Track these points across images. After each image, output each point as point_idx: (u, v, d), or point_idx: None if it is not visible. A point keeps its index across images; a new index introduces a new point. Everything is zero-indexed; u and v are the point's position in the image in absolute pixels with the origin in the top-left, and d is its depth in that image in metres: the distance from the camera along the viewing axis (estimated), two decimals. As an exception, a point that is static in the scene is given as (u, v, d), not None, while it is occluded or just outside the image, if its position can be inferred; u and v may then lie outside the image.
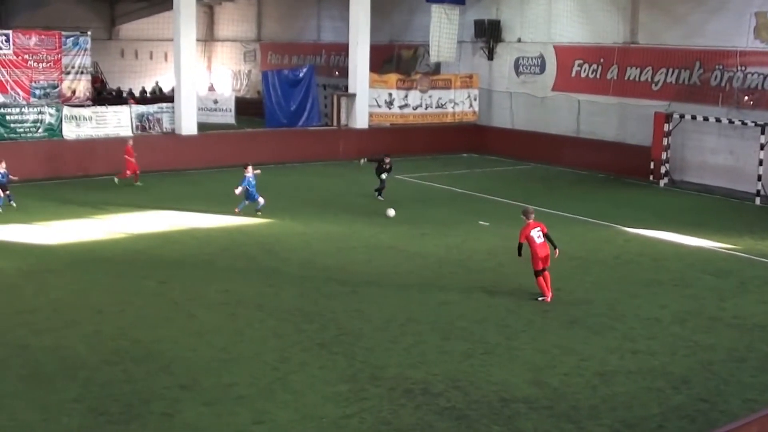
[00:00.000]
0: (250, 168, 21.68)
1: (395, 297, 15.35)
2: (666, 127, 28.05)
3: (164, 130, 29.73)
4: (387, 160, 24.32)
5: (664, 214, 23.56)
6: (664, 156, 28.29)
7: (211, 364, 12.04)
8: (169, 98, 34.44)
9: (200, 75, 44.87)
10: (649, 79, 29.80)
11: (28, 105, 29.22)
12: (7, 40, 31.66)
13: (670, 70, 29.04)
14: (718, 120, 26.74)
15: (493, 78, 35.44)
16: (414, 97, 34.30)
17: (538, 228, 15.21)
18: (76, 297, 14.99)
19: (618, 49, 30.70)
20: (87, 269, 16.76)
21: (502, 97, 35.19)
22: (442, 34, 34.59)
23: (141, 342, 12.83)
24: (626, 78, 30.53)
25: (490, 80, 35.52)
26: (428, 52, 35.77)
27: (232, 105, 39.24)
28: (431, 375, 11.73)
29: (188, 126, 29.89)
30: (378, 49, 35.77)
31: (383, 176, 24.31)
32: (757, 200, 25.60)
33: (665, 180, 28.31)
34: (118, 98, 41.12)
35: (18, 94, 31.54)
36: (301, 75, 34.12)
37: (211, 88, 48.34)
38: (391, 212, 21.92)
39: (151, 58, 50.00)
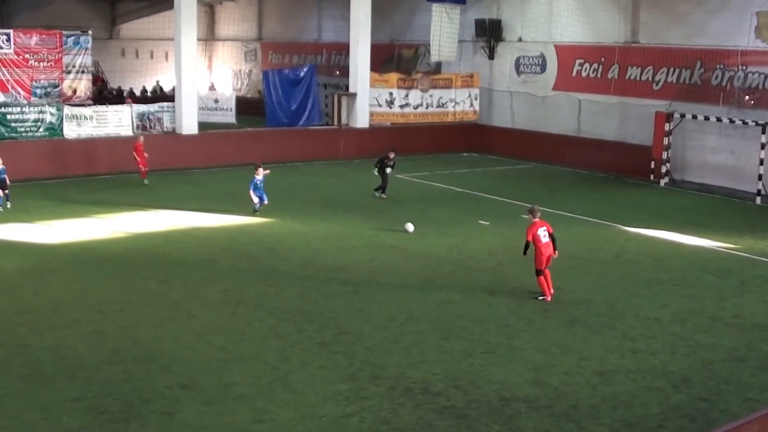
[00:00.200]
0: (260, 170, 21.67)
1: (395, 296, 15.35)
2: (667, 127, 28.05)
3: (165, 129, 29.75)
4: (391, 156, 24.24)
5: (665, 213, 23.56)
6: (664, 155, 28.28)
7: (212, 364, 12.04)
8: (169, 97, 34.46)
9: (201, 74, 44.88)
10: (650, 79, 29.80)
11: (29, 104, 29.22)
12: (8, 40, 31.63)
13: (671, 69, 29.04)
14: (718, 119, 26.73)
15: (494, 77, 35.45)
16: (415, 96, 34.32)
17: (545, 227, 15.19)
18: (76, 296, 15.00)
19: (619, 48, 30.69)
20: (87, 269, 16.77)
21: (503, 97, 35.19)
22: (443, 33, 34.61)
23: (141, 341, 12.84)
24: (627, 77, 30.52)
25: (490, 79, 35.52)
26: (429, 52, 35.78)
27: (232, 104, 39.30)
28: (431, 374, 11.74)
29: (189, 125, 29.91)
30: (379, 49, 35.77)
31: (387, 170, 24.23)
32: (758, 200, 25.59)
33: (666, 179, 28.30)
34: (118, 97, 41.13)
35: (19, 94, 31.51)
36: (301, 74, 34.12)
37: (212, 88, 48.39)
38: (410, 227, 20.34)
39: (151, 57, 50.05)
